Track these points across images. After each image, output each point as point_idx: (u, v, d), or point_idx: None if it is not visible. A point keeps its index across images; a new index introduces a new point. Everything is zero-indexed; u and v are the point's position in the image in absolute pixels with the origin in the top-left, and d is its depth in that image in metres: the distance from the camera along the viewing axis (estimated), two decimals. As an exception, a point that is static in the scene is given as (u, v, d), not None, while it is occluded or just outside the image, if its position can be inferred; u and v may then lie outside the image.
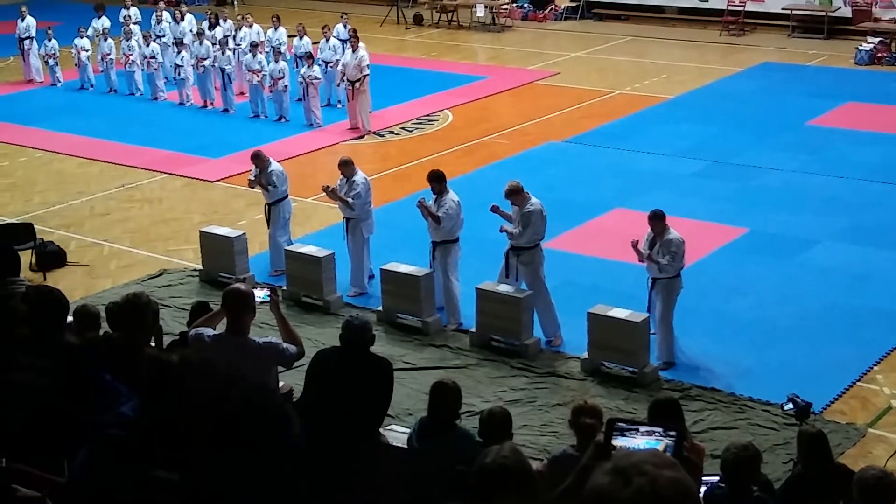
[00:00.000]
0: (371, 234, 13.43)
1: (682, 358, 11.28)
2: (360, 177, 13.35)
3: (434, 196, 12.36)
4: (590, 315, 11.02)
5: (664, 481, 1.91)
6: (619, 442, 3.85)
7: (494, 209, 11.95)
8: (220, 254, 13.48)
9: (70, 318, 8.51)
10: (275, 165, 14.01)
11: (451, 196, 12.30)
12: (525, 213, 11.57)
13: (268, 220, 13.99)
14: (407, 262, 12.92)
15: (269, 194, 13.85)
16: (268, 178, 13.78)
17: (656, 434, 3.87)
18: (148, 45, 23.24)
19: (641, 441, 3.85)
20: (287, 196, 14.02)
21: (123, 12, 25.34)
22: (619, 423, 3.94)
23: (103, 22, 24.84)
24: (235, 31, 23.37)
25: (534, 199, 11.67)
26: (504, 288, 11.59)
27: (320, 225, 15.63)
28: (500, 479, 3.80)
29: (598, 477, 1.95)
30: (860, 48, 24.39)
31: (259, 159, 13.98)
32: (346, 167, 13.35)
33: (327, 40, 22.15)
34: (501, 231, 11.78)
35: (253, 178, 14.00)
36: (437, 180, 12.37)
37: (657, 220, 11.21)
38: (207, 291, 12.90)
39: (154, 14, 25.45)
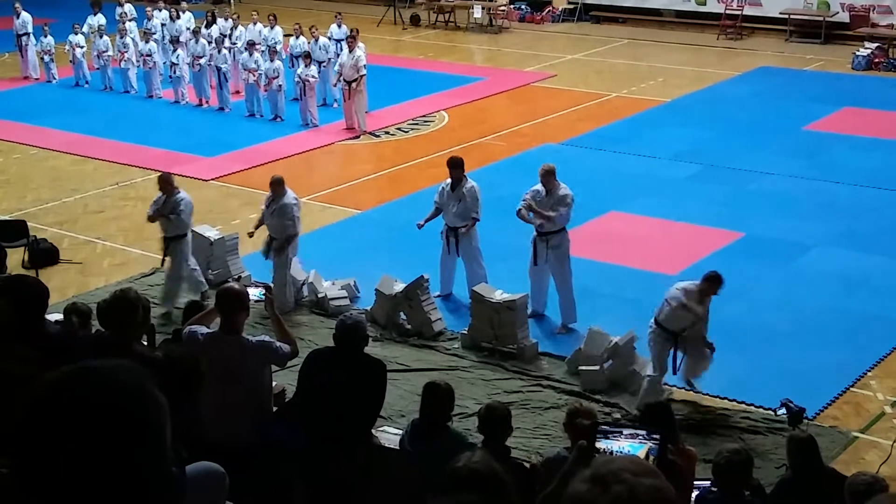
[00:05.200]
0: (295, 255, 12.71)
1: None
2: (289, 197, 12.50)
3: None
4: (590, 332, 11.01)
5: (643, 489, 1.90)
6: (602, 445, 3.85)
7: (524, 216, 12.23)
8: (207, 254, 13.45)
9: (60, 316, 8.51)
10: (184, 194, 12.72)
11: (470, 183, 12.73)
12: (560, 196, 11.91)
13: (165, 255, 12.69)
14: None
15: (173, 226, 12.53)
16: (173, 207, 12.51)
17: (639, 437, 3.88)
18: (147, 43, 23.21)
19: (624, 444, 3.85)
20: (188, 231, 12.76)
21: (119, 10, 25.29)
22: (603, 427, 3.95)
23: (99, 19, 24.79)
24: (231, 29, 23.35)
25: (563, 184, 12.10)
26: (498, 294, 11.57)
27: (314, 225, 15.59)
28: (471, 483, 3.78)
29: (576, 484, 1.94)
30: (857, 53, 24.41)
31: (168, 184, 12.69)
32: (278, 187, 12.53)
33: (316, 41, 22.10)
34: (532, 219, 12.05)
35: (152, 213, 12.66)
36: (457, 166, 12.79)
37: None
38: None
39: (146, 11, 25.42)
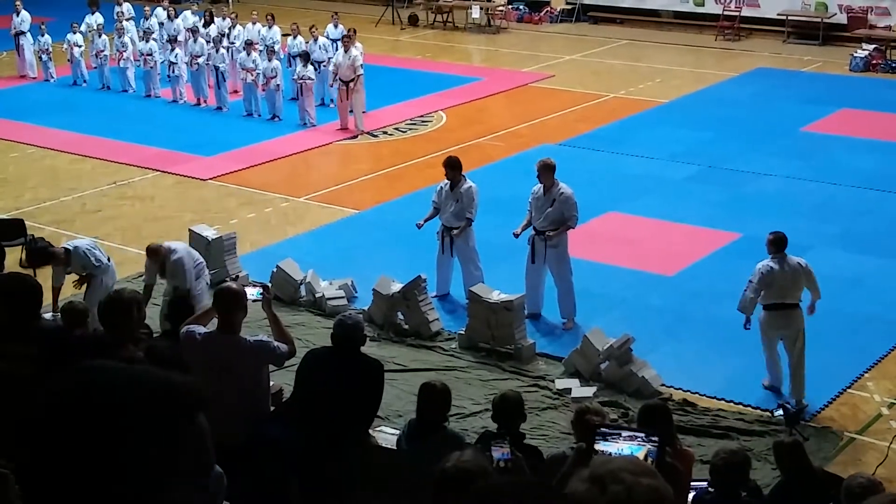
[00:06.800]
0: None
1: (673, 362, 11.26)
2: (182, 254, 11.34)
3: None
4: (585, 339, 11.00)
5: (640, 489, 1.91)
6: (601, 447, 3.86)
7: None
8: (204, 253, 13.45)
9: (57, 315, 8.51)
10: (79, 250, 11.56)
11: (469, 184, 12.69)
12: (564, 198, 11.96)
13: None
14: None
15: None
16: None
17: (638, 439, 3.89)
18: (147, 42, 23.20)
19: (623, 446, 3.86)
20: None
21: (117, 8, 25.27)
22: (602, 429, 3.96)
23: (97, 18, 24.75)
24: (230, 28, 23.34)
25: (563, 184, 12.10)
26: (496, 294, 11.57)
27: (312, 225, 15.60)
28: (461, 483, 3.76)
29: (574, 484, 1.95)
30: (855, 55, 24.42)
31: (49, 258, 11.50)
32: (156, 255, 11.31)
33: (315, 41, 22.11)
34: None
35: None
36: (453, 167, 12.69)
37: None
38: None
39: (144, 10, 25.40)
